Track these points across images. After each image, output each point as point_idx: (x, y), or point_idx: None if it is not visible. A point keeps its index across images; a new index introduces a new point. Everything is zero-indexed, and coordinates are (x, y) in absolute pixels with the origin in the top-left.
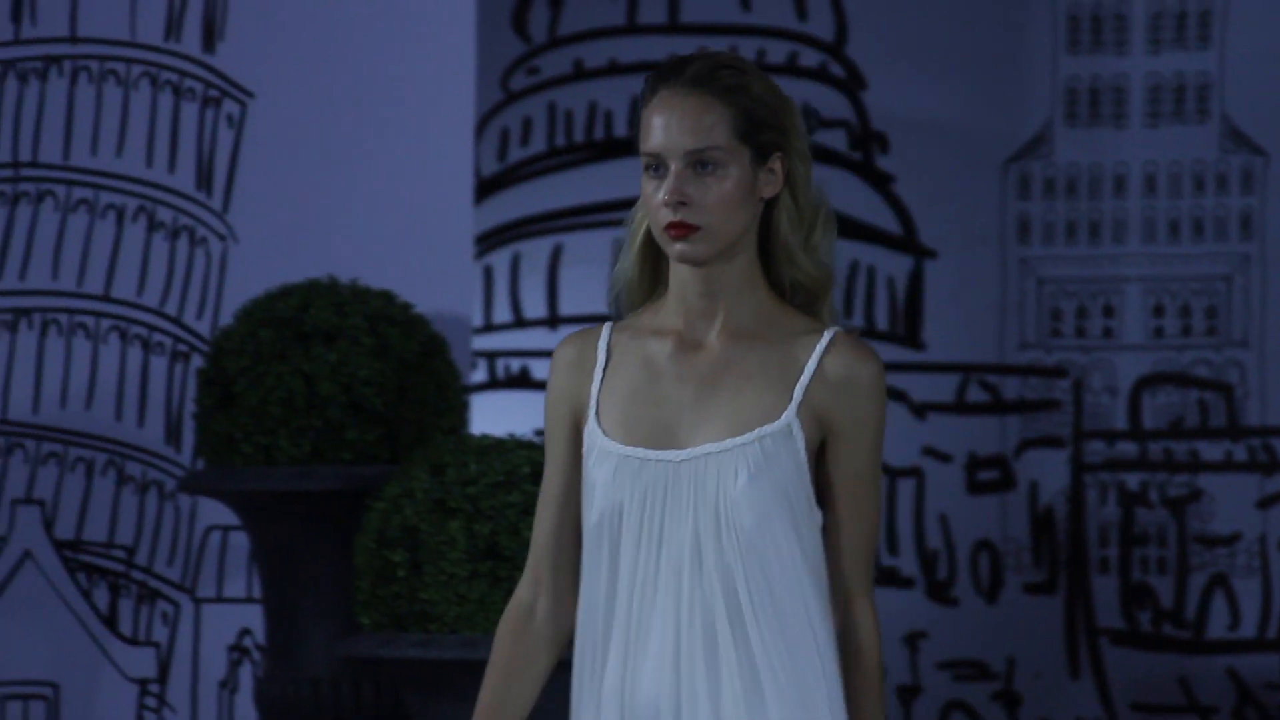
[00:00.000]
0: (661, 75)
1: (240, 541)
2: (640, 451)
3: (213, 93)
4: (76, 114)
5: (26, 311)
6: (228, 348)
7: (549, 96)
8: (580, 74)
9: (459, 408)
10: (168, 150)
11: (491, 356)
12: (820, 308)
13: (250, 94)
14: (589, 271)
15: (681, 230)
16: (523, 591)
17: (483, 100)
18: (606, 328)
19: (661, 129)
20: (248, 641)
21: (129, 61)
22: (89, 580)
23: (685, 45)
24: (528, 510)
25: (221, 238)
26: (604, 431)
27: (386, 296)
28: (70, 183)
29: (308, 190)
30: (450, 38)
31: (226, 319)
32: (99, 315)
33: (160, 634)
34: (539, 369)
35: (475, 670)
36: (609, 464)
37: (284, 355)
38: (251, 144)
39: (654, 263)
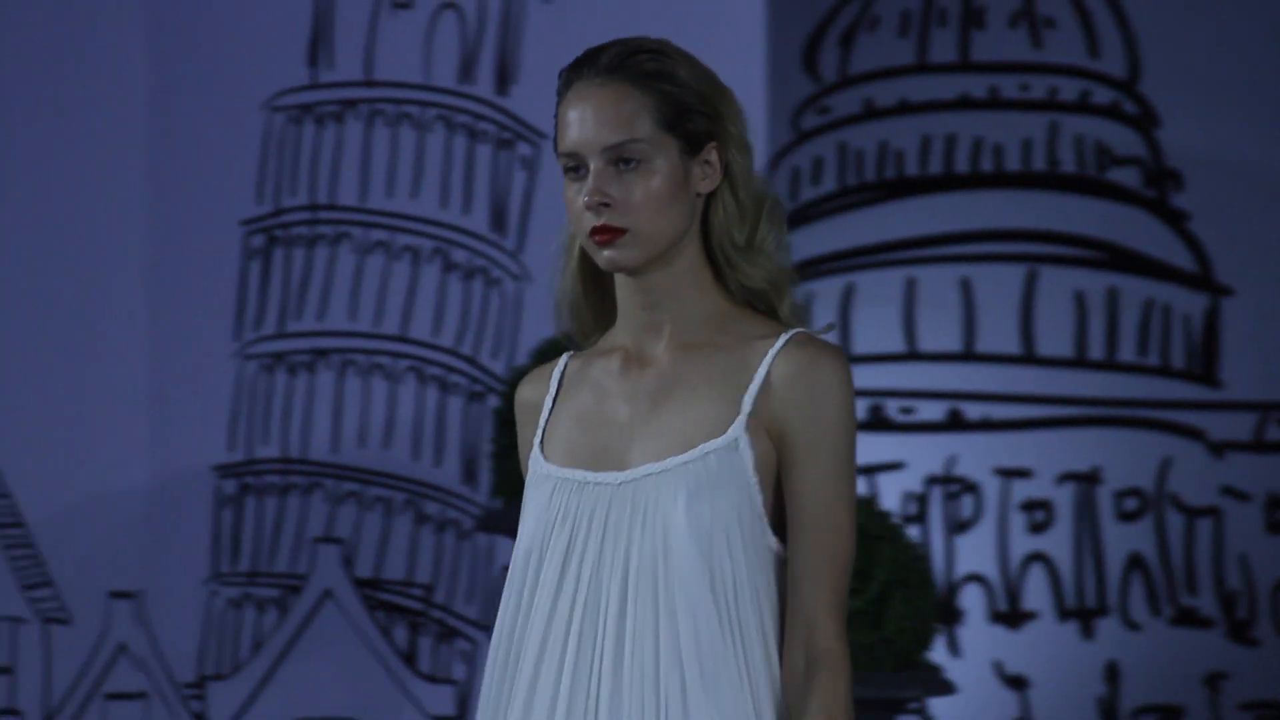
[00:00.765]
0: (574, 66)
1: None
2: (579, 474)
3: (506, 135)
4: (373, 156)
5: (325, 352)
6: None
7: (839, 136)
8: (871, 113)
9: None
10: (462, 192)
11: None
12: (780, 309)
13: (543, 135)
14: (881, 311)
15: (607, 235)
16: None
17: (774, 140)
18: (564, 358)
19: (576, 124)
20: None
21: (424, 104)
22: (388, 618)
23: (976, 84)
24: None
25: (516, 278)
26: (545, 457)
27: None
28: (367, 224)
29: None
30: (741, 78)
31: (521, 359)
32: (396, 355)
33: (459, 672)
34: None
35: None
36: (546, 488)
37: None
38: (545, 185)
39: (597, 278)
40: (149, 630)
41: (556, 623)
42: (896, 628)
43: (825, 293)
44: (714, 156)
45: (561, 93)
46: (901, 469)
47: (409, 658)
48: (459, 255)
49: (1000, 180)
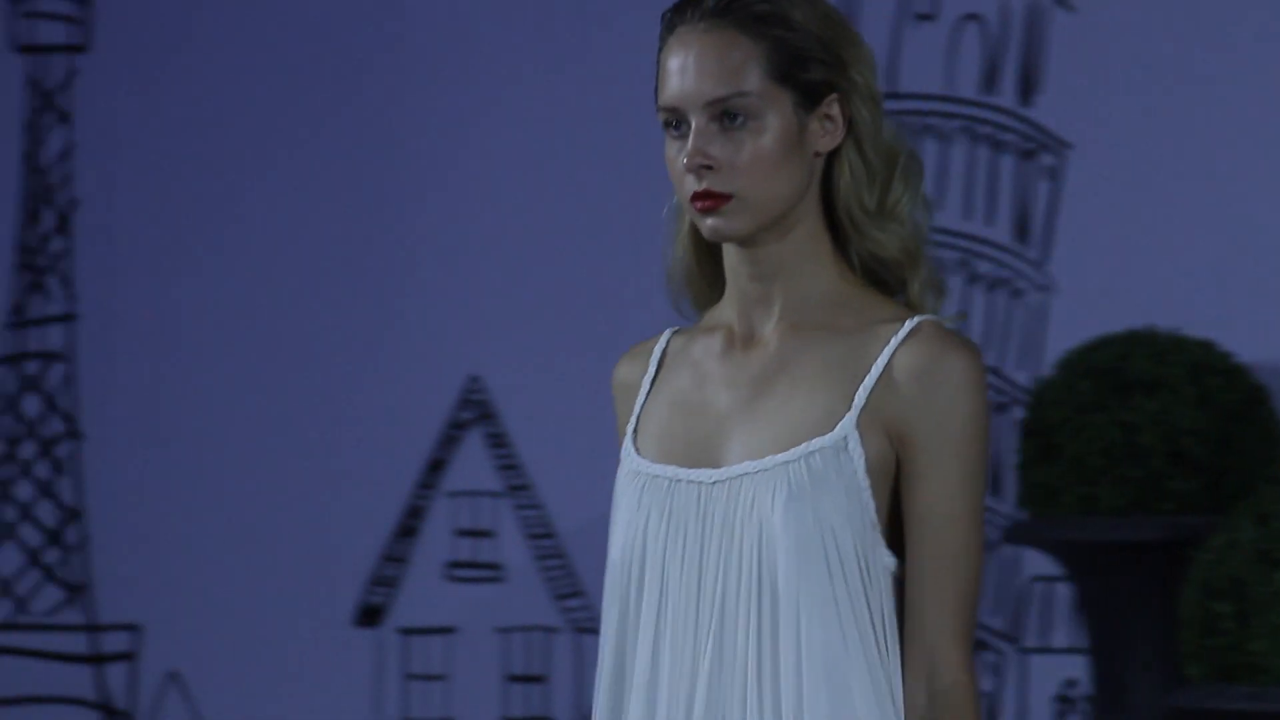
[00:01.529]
0: (678, 8)
1: (1063, 592)
2: (670, 470)
3: (1029, 145)
4: None
5: None
6: (1048, 399)
7: None
8: None
9: None
10: (985, 203)
11: None
12: (911, 286)
13: (1068, 145)
14: None
15: (710, 202)
16: None
17: None
18: (666, 334)
19: (676, 75)
20: (1073, 692)
21: (947, 116)
22: None
23: None
24: None
25: (1040, 289)
26: (637, 450)
27: (1206, 346)
28: None
29: (1127, 240)
30: None
31: (1045, 370)
32: None
33: (988, 683)
34: None
35: None
36: (635, 486)
37: (1104, 406)
38: (1070, 195)
39: (712, 246)
40: None
41: (661, 640)
42: None
43: None
44: (835, 110)
45: (663, 38)
46: None
47: None
48: (983, 267)
49: None
